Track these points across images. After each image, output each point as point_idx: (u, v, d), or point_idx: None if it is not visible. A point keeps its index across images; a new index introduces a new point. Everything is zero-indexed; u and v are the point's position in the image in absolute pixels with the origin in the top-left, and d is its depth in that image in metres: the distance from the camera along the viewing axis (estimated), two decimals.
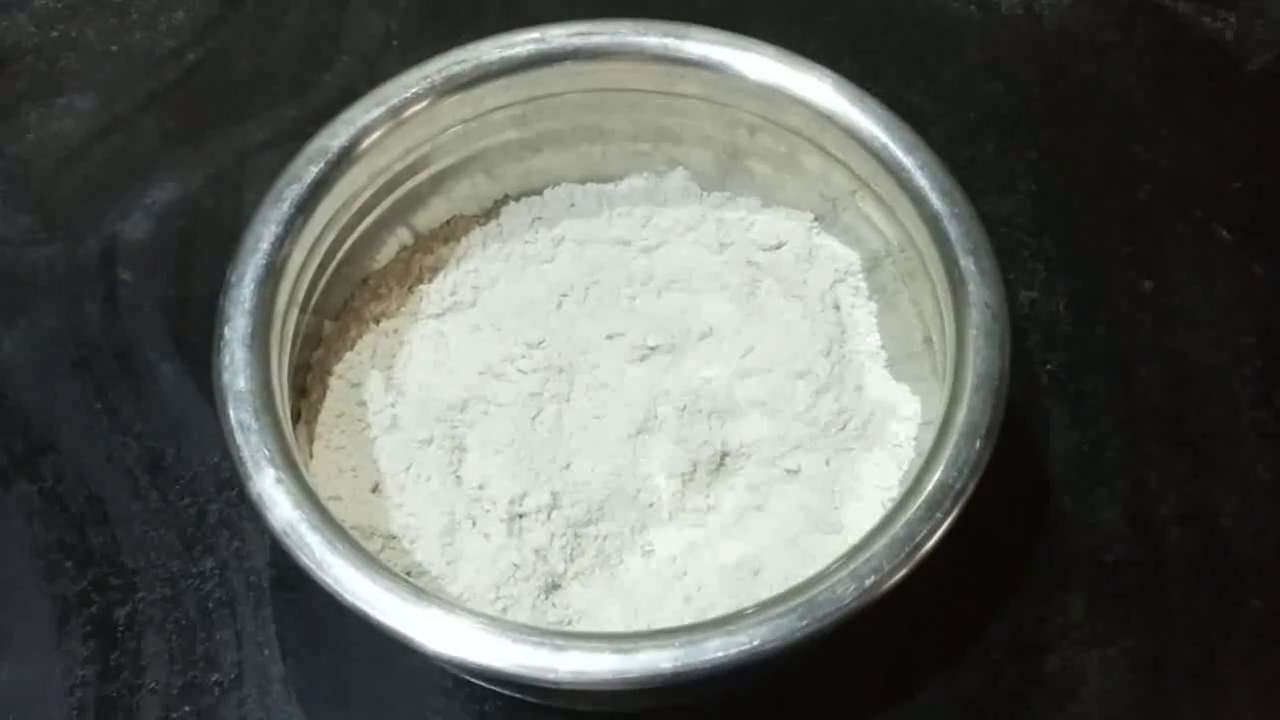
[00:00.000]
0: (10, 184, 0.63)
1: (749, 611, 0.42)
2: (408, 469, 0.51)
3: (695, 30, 0.54)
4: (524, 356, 0.54)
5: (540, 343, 0.55)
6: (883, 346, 0.55)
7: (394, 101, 0.52)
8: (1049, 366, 0.58)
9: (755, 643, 0.41)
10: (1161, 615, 0.53)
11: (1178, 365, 0.58)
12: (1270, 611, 0.53)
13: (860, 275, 0.57)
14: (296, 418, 0.52)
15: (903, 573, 0.42)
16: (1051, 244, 0.61)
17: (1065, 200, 0.63)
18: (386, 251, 0.57)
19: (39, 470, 0.55)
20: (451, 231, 0.58)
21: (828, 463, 0.52)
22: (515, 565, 0.49)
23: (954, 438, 0.45)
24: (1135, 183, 0.63)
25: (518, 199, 0.59)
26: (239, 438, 0.44)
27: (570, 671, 0.41)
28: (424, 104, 0.53)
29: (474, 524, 0.50)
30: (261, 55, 0.67)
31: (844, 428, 0.53)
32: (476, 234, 0.58)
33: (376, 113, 0.52)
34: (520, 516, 0.51)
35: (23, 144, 0.64)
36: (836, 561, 0.43)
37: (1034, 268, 0.60)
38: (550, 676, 0.41)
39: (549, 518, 0.51)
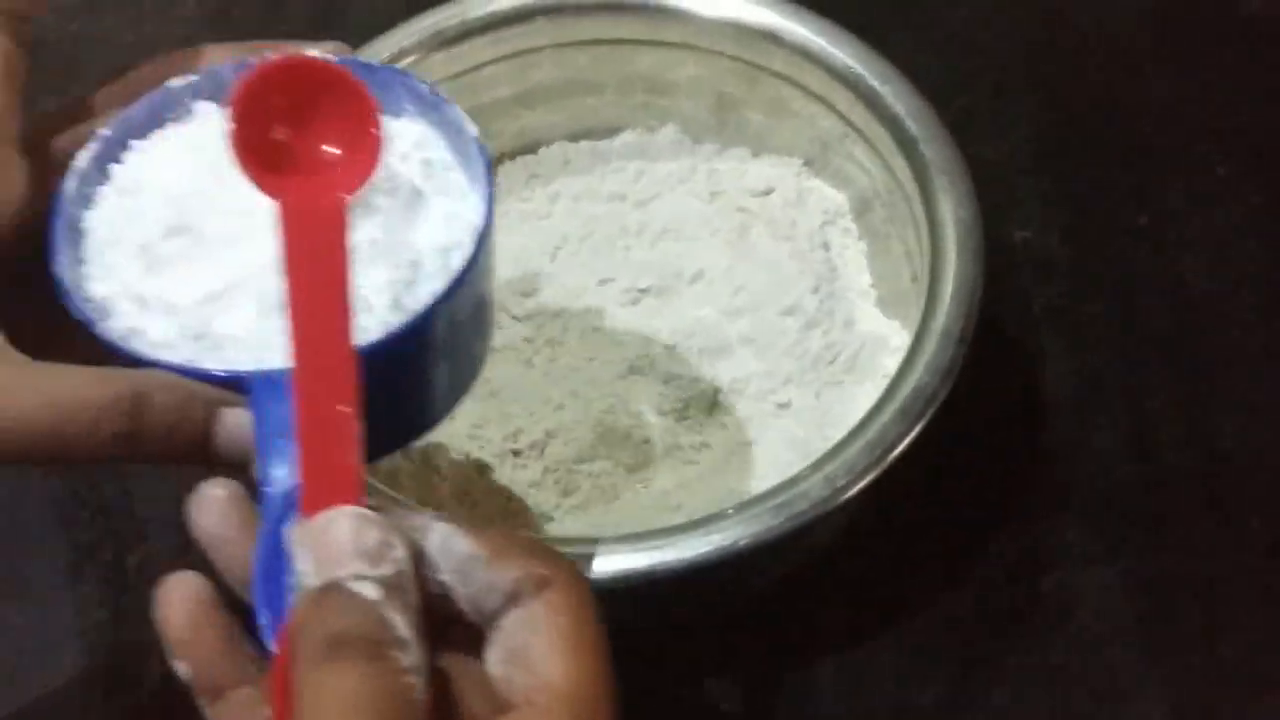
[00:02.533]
0: None
1: (727, 513, 0.43)
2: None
3: None
4: (518, 304, 0.56)
5: (534, 291, 0.56)
6: (873, 285, 0.56)
7: (383, 58, 0.54)
8: (1046, 300, 0.58)
9: (731, 541, 0.42)
10: (1160, 536, 0.52)
11: (1176, 293, 0.58)
12: (1269, 530, 0.52)
13: (850, 217, 0.57)
14: None
15: (875, 473, 0.43)
16: (1049, 183, 0.62)
17: (1062, 142, 0.63)
18: None
19: None
20: None
21: (818, 396, 0.53)
22: (508, 499, 0.51)
23: (929, 344, 0.45)
24: (1132, 122, 0.63)
25: (514, 158, 0.61)
26: None
27: None
28: (412, 59, 0.55)
29: (467, 458, 0.51)
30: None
31: (833, 361, 0.54)
32: None
33: None
34: (515, 454, 0.52)
35: None
36: (811, 465, 0.43)
37: (1030, 206, 0.61)
38: None
39: (542, 454, 0.52)
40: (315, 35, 0.41)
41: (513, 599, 0.28)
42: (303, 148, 0.36)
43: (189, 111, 0.40)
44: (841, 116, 0.54)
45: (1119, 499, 0.53)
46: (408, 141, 0.39)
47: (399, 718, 0.24)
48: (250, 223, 0.36)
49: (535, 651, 0.27)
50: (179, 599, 0.32)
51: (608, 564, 0.41)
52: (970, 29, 0.67)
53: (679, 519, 0.50)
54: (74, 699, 0.51)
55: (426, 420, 0.39)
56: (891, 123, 0.51)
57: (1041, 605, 0.51)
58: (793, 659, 0.50)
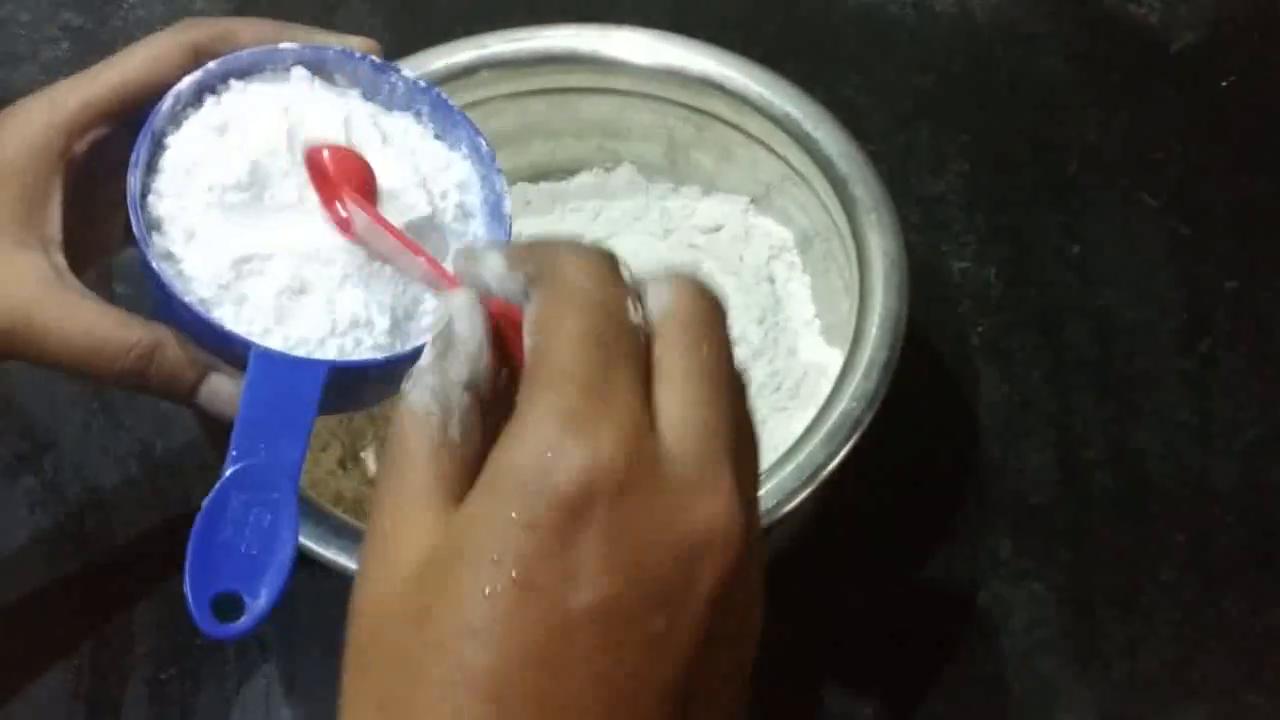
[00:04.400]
0: None
1: None
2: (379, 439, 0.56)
3: (621, 31, 0.58)
4: None
5: None
6: (816, 315, 0.59)
7: None
8: (980, 329, 0.61)
9: None
10: (1087, 551, 0.55)
11: (1104, 321, 0.61)
12: (1193, 545, 0.55)
13: (794, 251, 0.60)
14: None
15: (804, 494, 0.46)
16: (982, 218, 0.65)
17: (995, 178, 0.66)
18: None
19: (40, 464, 0.60)
20: None
21: (763, 422, 0.56)
22: None
23: (856, 374, 0.48)
24: (1063, 158, 0.66)
25: None
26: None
27: None
28: None
29: None
30: None
31: (778, 389, 0.57)
32: None
33: None
34: None
35: None
36: None
37: (966, 239, 0.64)
38: None
39: None
40: None
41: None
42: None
43: (287, 75, 0.43)
44: (781, 158, 0.57)
45: (1048, 517, 0.56)
46: (452, 179, 0.43)
47: (633, 346, 0.26)
48: (302, 212, 0.41)
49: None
50: None
51: None
52: (909, 72, 0.70)
53: None
54: None
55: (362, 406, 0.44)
56: (824, 164, 0.54)
57: (975, 619, 0.54)
58: None
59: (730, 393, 0.26)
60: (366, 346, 0.39)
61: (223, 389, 0.40)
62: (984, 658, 0.53)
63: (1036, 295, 0.62)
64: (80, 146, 0.42)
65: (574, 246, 0.27)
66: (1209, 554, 0.55)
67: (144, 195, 0.40)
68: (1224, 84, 0.68)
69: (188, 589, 0.35)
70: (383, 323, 0.40)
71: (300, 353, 0.39)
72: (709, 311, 0.27)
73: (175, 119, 0.41)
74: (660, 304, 0.27)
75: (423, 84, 0.44)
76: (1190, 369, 0.59)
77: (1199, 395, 0.59)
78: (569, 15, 0.61)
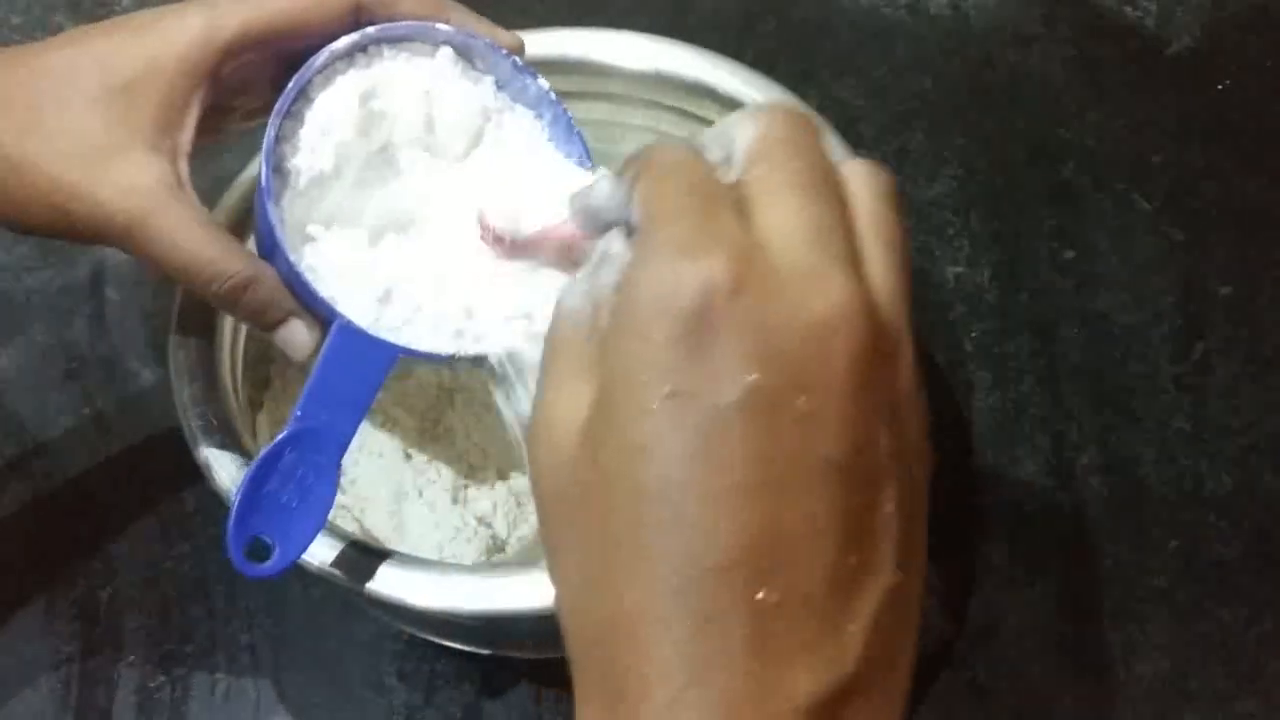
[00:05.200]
0: None
1: None
2: (361, 447, 0.55)
3: (612, 35, 0.58)
4: None
5: None
6: None
7: None
8: (973, 334, 0.61)
9: None
10: (1080, 558, 0.55)
11: (1098, 326, 0.61)
12: (1186, 551, 0.55)
13: None
14: (259, 408, 0.56)
15: None
16: (977, 222, 0.64)
17: (990, 181, 0.66)
18: None
19: (31, 471, 0.60)
20: None
21: None
22: (457, 529, 0.53)
23: None
24: (1058, 161, 0.66)
25: None
26: (189, 410, 0.49)
27: (486, 605, 0.44)
28: None
29: (420, 494, 0.54)
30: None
31: None
32: None
33: None
34: (465, 487, 0.55)
35: None
36: None
37: (960, 244, 0.64)
38: (475, 607, 0.44)
39: (493, 488, 0.55)
40: None
41: None
42: None
43: (434, 52, 0.45)
44: None
45: (1042, 523, 0.56)
46: (565, 187, 0.44)
47: (729, 192, 0.27)
48: (426, 205, 0.45)
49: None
50: None
51: (525, 598, 0.44)
52: (905, 74, 0.70)
53: None
54: None
55: None
56: None
57: (968, 626, 0.54)
58: None
59: (830, 198, 0.27)
60: (428, 335, 0.43)
61: (299, 335, 0.44)
62: (978, 665, 0.53)
63: (1030, 300, 0.62)
64: (228, 67, 0.43)
65: (663, 144, 0.29)
66: (1203, 561, 0.54)
67: (281, 142, 0.43)
68: (1220, 87, 0.68)
69: (230, 526, 0.40)
70: (452, 319, 0.42)
71: (376, 332, 0.42)
72: (793, 129, 0.28)
73: (327, 78, 0.44)
74: (746, 139, 0.28)
75: (553, 95, 0.47)
76: (1185, 374, 0.59)
77: (1193, 401, 0.58)
78: (562, 16, 0.61)
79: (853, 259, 0.26)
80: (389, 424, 0.56)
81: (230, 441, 0.48)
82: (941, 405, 0.59)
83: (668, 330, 0.25)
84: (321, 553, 0.45)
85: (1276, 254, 0.62)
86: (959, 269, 0.63)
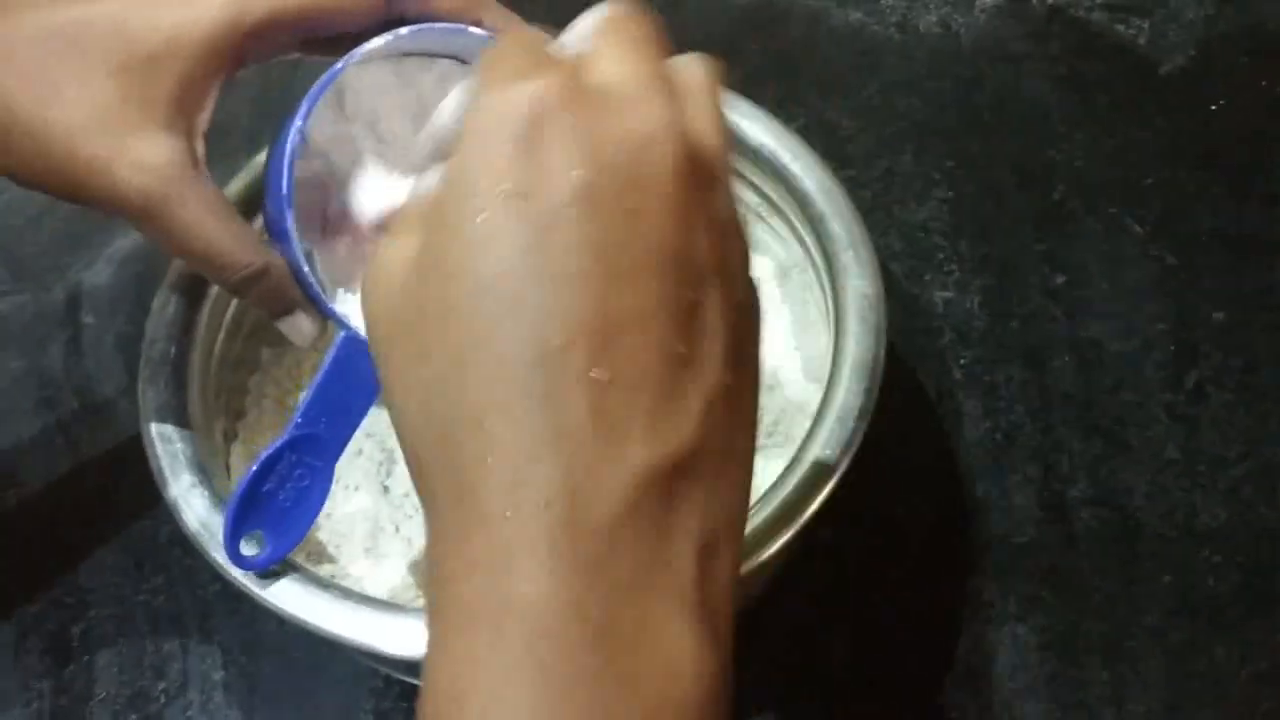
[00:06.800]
0: None
1: None
2: (337, 480, 0.54)
3: None
4: None
5: None
6: (797, 348, 0.58)
7: None
8: (963, 361, 0.60)
9: None
10: (1072, 593, 0.54)
11: (1089, 354, 0.60)
12: (1180, 586, 0.54)
13: (774, 283, 0.59)
14: (234, 438, 0.55)
15: (780, 541, 0.44)
16: (966, 245, 0.63)
17: (979, 204, 0.65)
18: None
19: (3, 501, 0.59)
20: None
21: None
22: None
23: (829, 419, 0.47)
24: (1049, 184, 0.65)
25: None
26: (158, 448, 0.47)
27: None
28: None
29: (397, 529, 0.53)
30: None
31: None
32: None
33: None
34: None
35: None
36: None
37: (949, 268, 0.62)
38: None
39: None
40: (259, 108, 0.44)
41: None
42: None
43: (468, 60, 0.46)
44: (757, 189, 0.56)
45: (1033, 557, 0.55)
46: None
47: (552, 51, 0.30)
48: None
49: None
50: None
51: None
52: (892, 95, 0.69)
53: None
54: None
55: None
56: (801, 198, 0.52)
57: (956, 663, 0.53)
58: None
59: (657, 57, 0.30)
60: None
61: (303, 327, 0.45)
62: (966, 703, 0.52)
63: (1020, 327, 0.61)
64: (251, 50, 0.43)
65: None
66: (1196, 597, 0.53)
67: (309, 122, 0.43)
68: (1213, 108, 0.67)
69: (229, 521, 0.43)
70: None
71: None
72: (634, 17, 0.30)
73: (362, 69, 0.44)
74: (587, 22, 0.31)
75: None
76: (1177, 403, 0.58)
77: (1186, 431, 0.57)
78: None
79: (672, 97, 0.29)
80: (364, 456, 0.55)
81: (201, 480, 0.47)
82: (930, 435, 0.58)
83: (503, 137, 0.27)
84: (293, 599, 0.44)
85: (1269, 279, 0.61)
86: (948, 294, 0.62)
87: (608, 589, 0.26)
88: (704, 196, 0.29)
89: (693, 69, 0.31)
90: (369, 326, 0.30)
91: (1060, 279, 0.62)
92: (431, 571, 0.28)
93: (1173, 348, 0.60)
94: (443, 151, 0.30)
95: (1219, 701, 0.51)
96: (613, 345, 0.27)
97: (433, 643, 0.27)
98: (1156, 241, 0.63)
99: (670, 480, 0.27)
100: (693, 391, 0.28)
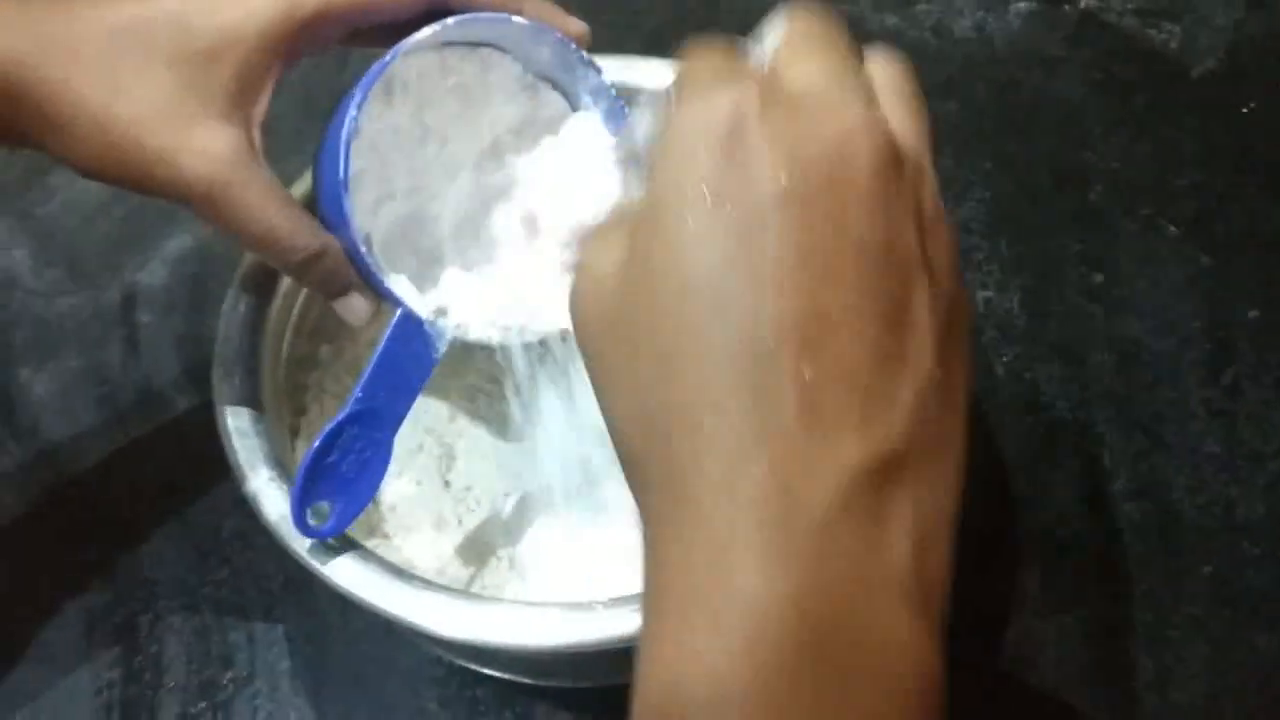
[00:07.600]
0: (40, 242, 0.69)
1: None
2: (400, 475, 0.55)
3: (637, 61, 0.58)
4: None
5: None
6: None
7: None
8: (1005, 359, 0.61)
9: None
10: (1115, 585, 0.55)
11: (1128, 351, 0.61)
12: (1220, 577, 0.55)
13: None
14: (296, 434, 0.56)
15: None
16: (1006, 246, 0.65)
17: (1017, 205, 0.66)
18: None
19: (66, 497, 0.60)
20: None
21: None
22: (497, 559, 0.53)
23: None
24: (1084, 185, 0.66)
25: None
26: (235, 442, 0.49)
27: (518, 638, 0.44)
28: None
29: (460, 522, 0.54)
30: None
31: None
32: None
33: None
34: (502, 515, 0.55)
35: (51, 206, 0.70)
36: None
37: (989, 268, 0.64)
38: (506, 640, 0.44)
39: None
40: (304, 109, 0.48)
41: None
42: None
43: (504, 55, 0.49)
44: None
45: (1077, 550, 0.56)
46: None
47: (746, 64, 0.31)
48: (483, 197, 0.49)
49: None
50: None
51: (559, 633, 0.44)
52: (930, 96, 0.70)
53: None
54: None
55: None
56: None
57: (1004, 654, 0.54)
58: None
59: (852, 60, 0.30)
60: (481, 323, 0.47)
61: (358, 307, 0.47)
62: (1014, 692, 0.53)
63: (1059, 325, 0.62)
64: (304, 42, 0.45)
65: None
66: (1237, 587, 0.55)
67: (357, 114, 0.45)
68: (1245, 110, 0.68)
69: (296, 492, 0.44)
70: (504, 306, 0.47)
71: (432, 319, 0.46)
72: (820, 24, 0.31)
73: (407, 62, 0.47)
74: (775, 35, 0.31)
75: (613, 91, 0.50)
76: (1215, 399, 0.59)
77: (1225, 426, 0.59)
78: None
79: (870, 100, 0.29)
80: (424, 452, 0.56)
81: (279, 473, 0.48)
82: (977, 431, 0.59)
83: (706, 145, 0.28)
84: (357, 580, 0.46)
85: None
86: (989, 293, 0.63)
87: (826, 584, 0.26)
88: (907, 191, 0.29)
89: (884, 66, 0.31)
90: (578, 327, 0.31)
91: (1098, 278, 0.63)
92: (646, 560, 0.28)
93: (1209, 345, 0.61)
94: (638, 163, 0.31)
95: (1261, 690, 0.53)
96: (822, 344, 0.27)
97: (648, 632, 0.28)
98: (1191, 242, 0.64)
99: (883, 476, 0.27)
100: (903, 387, 0.28)
